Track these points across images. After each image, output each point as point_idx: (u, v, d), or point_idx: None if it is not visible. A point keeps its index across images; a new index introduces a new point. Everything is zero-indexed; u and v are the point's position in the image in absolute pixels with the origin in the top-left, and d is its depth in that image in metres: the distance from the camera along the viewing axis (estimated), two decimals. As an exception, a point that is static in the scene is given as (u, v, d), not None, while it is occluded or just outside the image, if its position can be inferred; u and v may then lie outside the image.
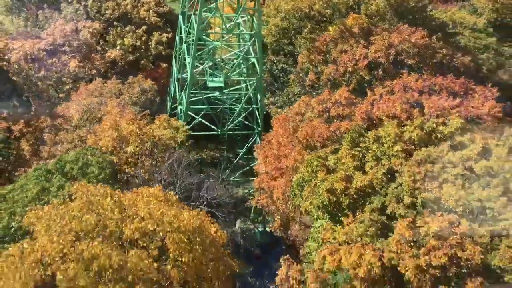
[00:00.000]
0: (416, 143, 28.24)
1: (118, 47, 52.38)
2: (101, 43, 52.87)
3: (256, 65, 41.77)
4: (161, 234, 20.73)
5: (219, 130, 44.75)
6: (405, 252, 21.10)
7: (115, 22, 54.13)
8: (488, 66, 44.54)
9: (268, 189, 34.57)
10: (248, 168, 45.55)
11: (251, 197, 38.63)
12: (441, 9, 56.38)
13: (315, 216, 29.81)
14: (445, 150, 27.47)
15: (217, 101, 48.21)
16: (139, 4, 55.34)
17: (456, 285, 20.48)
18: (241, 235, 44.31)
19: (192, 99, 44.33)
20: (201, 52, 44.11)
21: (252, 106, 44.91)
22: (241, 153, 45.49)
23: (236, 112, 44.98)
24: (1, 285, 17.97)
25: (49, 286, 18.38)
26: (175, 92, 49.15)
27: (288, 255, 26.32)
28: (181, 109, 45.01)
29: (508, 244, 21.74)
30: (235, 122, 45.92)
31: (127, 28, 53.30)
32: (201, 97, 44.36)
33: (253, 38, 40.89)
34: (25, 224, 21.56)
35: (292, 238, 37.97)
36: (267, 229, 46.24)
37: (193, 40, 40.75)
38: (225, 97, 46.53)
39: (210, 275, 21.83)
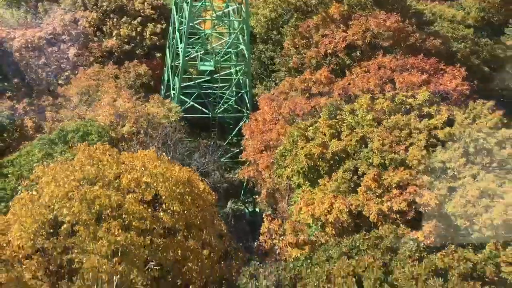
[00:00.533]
0: (387, 113, 31.13)
1: (114, 38, 55.05)
2: (98, 34, 55.54)
3: (245, 50, 44.59)
4: (154, 184, 23.44)
5: (210, 113, 47.52)
6: (370, 199, 23.89)
7: (111, 14, 56.82)
8: (462, 53, 47.51)
9: (255, 162, 37.33)
10: (238, 150, 48.17)
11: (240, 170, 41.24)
12: (423, 3, 59.42)
13: (296, 183, 32.59)
14: (412, 119, 30.39)
15: (208, 89, 50.96)
16: (134, -4, 58.02)
17: (414, 227, 23.24)
18: (232, 215, 46.88)
19: (185, 84, 47.11)
20: (193, 39, 46.89)
21: (241, 90, 47.70)
22: (231, 135, 48.18)
23: (225, 96, 47.76)
24: (15, 219, 20.63)
25: (55, 224, 21.03)
26: (168, 80, 51.85)
27: (269, 213, 28.99)
28: (174, 94, 47.74)
29: (462, 195, 24.54)
30: (225, 106, 48.64)
31: (123, 20, 55.88)
32: (193, 82, 47.16)
33: (242, 24, 43.67)
34: (32, 178, 24.13)
35: (280, 216, 40.64)
36: (257, 209, 48.86)
37: (185, 28, 43.55)
38: (216, 85, 49.28)
39: (198, 223, 24.54)
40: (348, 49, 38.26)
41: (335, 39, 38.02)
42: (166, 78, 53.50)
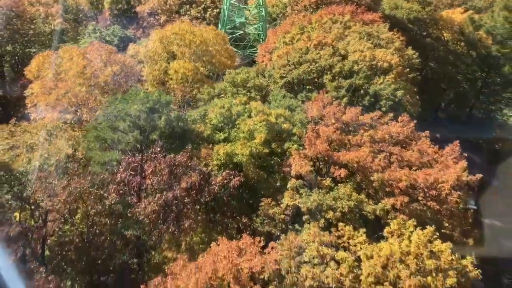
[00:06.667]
0: (328, 27, 61.17)
1: (187, 16, 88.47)
2: (176, 13, 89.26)
3: (263, 12, 76.06)
4: (206, 35, 54.57)
5: (243, 52, 78.95)
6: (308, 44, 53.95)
7: (183, 5, 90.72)
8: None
9: (263, 63, 67.64)
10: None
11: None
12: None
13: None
14: (338, 26, 60.31)
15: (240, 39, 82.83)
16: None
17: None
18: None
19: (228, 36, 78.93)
20: (233, 10, 79.22)
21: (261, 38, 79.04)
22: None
23: (250, 43, 79.39)
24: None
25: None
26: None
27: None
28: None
29: (345, 45, 54.17)
30: (251, 50, 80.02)
31: (193, 6, 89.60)
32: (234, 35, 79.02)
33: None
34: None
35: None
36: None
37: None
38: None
39: (226, 55, 55.22)
40: (316, 4, 69.23)
41: (310, -3, 69.33)
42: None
